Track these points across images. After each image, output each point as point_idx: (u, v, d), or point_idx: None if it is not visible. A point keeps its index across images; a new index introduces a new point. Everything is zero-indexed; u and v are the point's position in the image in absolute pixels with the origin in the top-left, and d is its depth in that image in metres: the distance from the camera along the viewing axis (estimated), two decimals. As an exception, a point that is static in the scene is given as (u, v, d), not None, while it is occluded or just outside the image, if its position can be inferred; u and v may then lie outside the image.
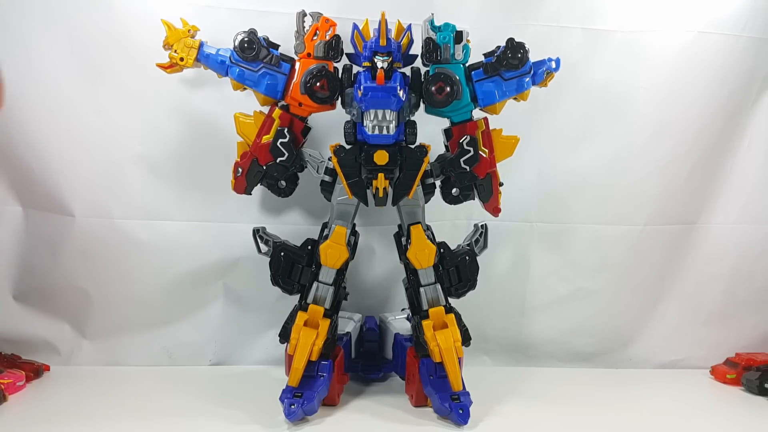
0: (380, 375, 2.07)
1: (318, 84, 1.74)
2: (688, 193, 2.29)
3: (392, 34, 1.75)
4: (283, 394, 1.72)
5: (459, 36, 1.73)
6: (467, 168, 1.78)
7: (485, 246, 1.91)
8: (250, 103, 1.82)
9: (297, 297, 1.85)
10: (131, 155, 2.09)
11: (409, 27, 1.77)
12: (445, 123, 1.82)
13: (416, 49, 1.77)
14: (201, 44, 1.78)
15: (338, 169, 1.75)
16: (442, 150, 1.86)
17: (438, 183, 1.84)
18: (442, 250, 1.84)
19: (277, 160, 1.77)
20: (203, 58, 1.78)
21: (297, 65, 1.78)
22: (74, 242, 2.09)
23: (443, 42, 1.73)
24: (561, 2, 2.16)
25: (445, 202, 1.85)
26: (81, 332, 2.15)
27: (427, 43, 1.74)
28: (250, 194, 1.85)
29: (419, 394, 1.83)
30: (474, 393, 1.77)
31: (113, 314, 2.15)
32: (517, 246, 2.28)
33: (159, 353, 2.17)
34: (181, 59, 1.77)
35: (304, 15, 1.78)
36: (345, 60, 1.81)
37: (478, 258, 1.88)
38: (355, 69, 1.78)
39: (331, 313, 1.81)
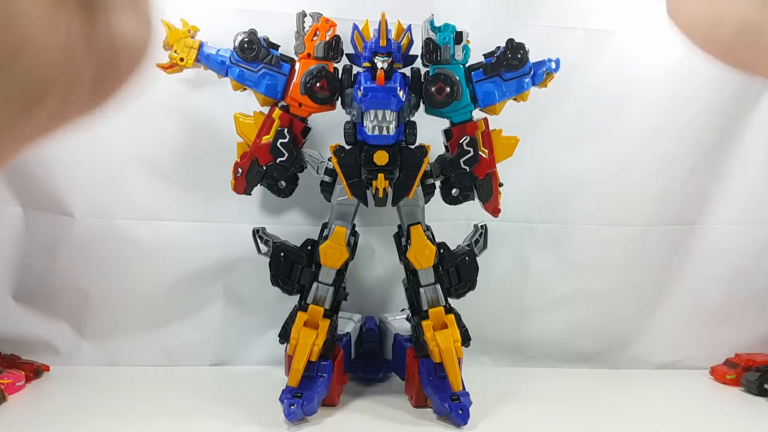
0: (380, 375, 2.07)
1: (318, 84, 1.73)
2: (688, 193, 2.28)
3: (392, 35, 1.74)
4: (283, 394, 1.72)
5: (459, 36, 1.73)
6: (467, 168, 1.77)
7: (485, 246, 1.91)
8: (250, 103, 1.82)
9: (297, 297, 1.85)
10: (131, 155, 2.08)
11: (409, 27, 1.76)
12: (445, 123, 1.82)
13: (416, 49, 1.76)
14: (201, 44, 1.78)
15: (338, 170, 1.75)
16: (442, 150, 1.86)
17: (438, 183, 1.84)
18: (441, 251, 1.84)
19: (277, 161, 1.77)
20: (203, 58, 1.78)
21: (297, 66, 1.78)
22: (74, 242, 2.08)
23: (443, 42, 1.72)
24: (561, 3, 2.15)
25: (445, 202, 1.85)
26: (81, 332, 2.15)
27: (427, 43, 1.73)
28: (250, 194, 1.85)
29: (419, 395, 1.83)
30: (474, 393, 1.77)
31: (113, 314, 2.14)
32: (517, 246, 2.27)
33: (159, 353, 2.17)
34: (181, 59, 1.76)
35: (304, 15, 1.77)
36: (345, 60, 1.81)
37: (477, 258, 1.88)
38: (355, 69, 1.78)
39: (331, 314, 1.81)
